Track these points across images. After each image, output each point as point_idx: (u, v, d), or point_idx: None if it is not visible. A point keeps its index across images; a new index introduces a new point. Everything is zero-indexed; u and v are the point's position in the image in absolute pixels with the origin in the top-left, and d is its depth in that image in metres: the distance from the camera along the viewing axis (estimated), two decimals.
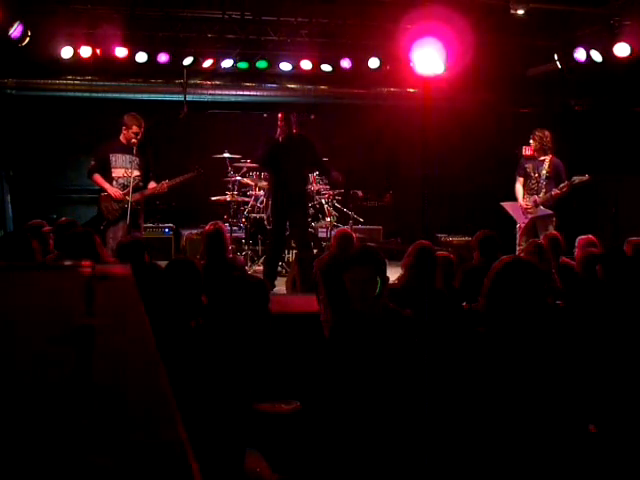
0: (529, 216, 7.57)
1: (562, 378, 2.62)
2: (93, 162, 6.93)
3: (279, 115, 7.51)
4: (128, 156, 6.73)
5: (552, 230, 7.14)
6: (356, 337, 3.17)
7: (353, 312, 3.25)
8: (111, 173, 6.77)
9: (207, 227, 5.35)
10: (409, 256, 4.51)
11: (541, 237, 6.39)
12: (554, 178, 7.51)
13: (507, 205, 7.89)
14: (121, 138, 6.82)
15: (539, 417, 2.53)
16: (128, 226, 6.56)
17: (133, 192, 6.67)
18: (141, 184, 6.85)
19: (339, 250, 5.37)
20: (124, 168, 6.76)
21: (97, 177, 6.83)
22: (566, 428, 2.56)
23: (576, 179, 7.35)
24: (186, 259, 3.82)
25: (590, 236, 5.83)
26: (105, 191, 6.77)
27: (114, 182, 6.76)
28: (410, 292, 4.17)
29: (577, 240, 5.85)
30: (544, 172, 7.55)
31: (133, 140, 6.70)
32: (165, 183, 6.89)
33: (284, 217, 7.46)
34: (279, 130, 7.46)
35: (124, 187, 6.71)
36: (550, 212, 7.48)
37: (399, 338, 3.12)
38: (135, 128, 6.74)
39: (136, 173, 6.76)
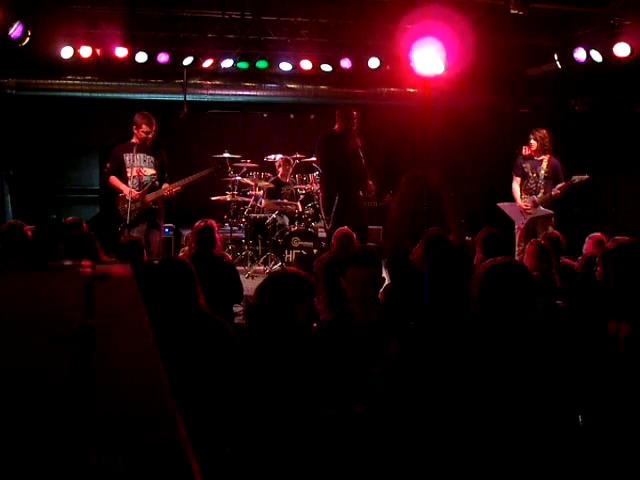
0: (528, 217, 7.56)
1: (552, 379, 2.61)
2: (108, 165, 6.90)
3: (337, 111, 7.67)
4: (142, 155, 6.73)
5: (552, 230, 7.14)
6: (350, 337, 3.14)
7: (349, 313, 3.23)
8: (126, 173, 6.72)
9: (197, 224, 5.38)
10: (419, 247, 4.53)
11: (541, 237, 6.37)
12: (552, 178, 7.51)
13: (504, 206, 7.87)
14: (134, 138, 6.80)
15: (530, 418, 2.53)
16: (127, 226, 6.52)
17: (149, 192, 6.68)
18: (157, 183, 6.81)
19: (339, 250, 5.37)
20: (138, 167, 6.72)
21: (113, 179, 6.78)
22: (557, 427, 2.55)
23: (576, 178, 7.34)
24: (177, 259, 3.79)
25: (599, 234, 5.77)
26: (121, 192, 6.70)
27: (129, 182, 6.69)
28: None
29: (587, 238, 5.80)
30: (542, 172, 7.55)
31: (145, 139, 6.71)
32: (179, 183, 6.84)
33: (341, 215, 7.46)
34: (337, 125, 7.62)
35: (140, 187, 6.67)
36: (550, 212, 7.47)
37: (398, 338, 3.10)
38: (145, 127, 6.71)
39: (151, 172, 6.75)
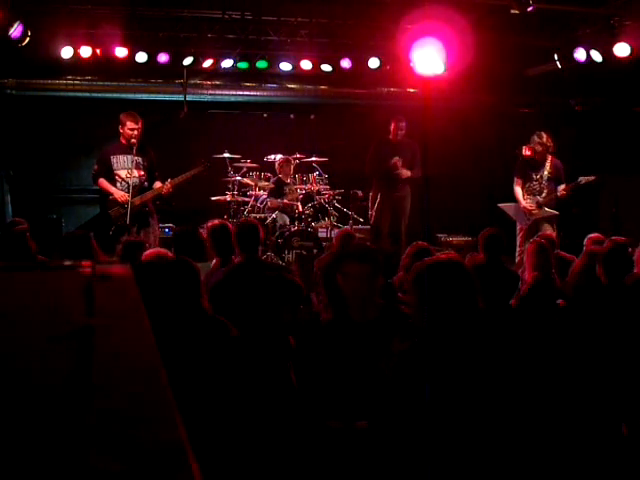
0: (532, 217, 7.54)
1: (492, 382, 2.56)
2: (96, 167, 6.80)
3: (393, 122, 8.56)
4: (129, 156, 6.60)
5: (553, 230, 7.16)
6: (349, 337, 3.13)
7: (347, 312, 3.21)
8: (114, 176, 6.64)
9: (212, 224, 5.01)
10: (407, 257, 4.53)
11: (537, 236, 6.36)
12: (555, 179, 7.52)
13: (506, 207, 7.86)
14: (121, 139, 6.71)
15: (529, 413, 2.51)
16: (127, 227, 6.47)
17: (138, 193, 6.59)
18: (146, 184, 6.72)
19: (340, 250, 5.36)
20: (126, 169, 6.62)
21: (102, 181, 6.69)
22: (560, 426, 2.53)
23: (582, 179, 7.34)
24: (182, 259, 3.75)
25: (599, 234, 5.76)
26: (111, 195, 6.61)
27: (118, 184, 6.63)
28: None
29: (586, 239, 5.80)
30: (546, 173, 7.55)
31: (132, 140, 6.59)
32: (169, 183, 6.77)
33: (382, 214, 8.32)
34: (391, 133, 8.57)
35: (128, 189, 6.54)
36: (555, 212, 7.47)
37: (397, 336, 3.09)
38: (130, 124, 6.60)
39: (139, 173, 6.66)
